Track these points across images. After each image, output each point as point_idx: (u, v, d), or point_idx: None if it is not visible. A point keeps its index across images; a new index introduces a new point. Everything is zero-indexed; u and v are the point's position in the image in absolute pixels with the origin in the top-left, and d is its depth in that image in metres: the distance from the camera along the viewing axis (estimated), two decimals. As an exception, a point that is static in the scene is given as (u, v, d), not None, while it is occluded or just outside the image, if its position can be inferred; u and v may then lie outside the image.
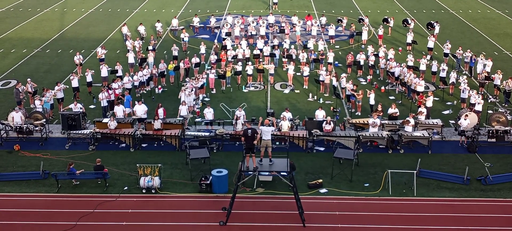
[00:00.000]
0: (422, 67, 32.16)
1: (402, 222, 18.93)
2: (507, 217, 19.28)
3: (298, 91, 31.41)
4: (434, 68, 32.12)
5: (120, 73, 31.12)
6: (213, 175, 20.74)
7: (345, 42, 40.93)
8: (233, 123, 25.53)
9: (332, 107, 28.53)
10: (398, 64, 31.98)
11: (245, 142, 19.01)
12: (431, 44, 36.96)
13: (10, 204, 20.16)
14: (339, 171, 22.13)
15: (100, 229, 18.64)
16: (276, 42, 37.62)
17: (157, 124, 24.55)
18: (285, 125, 24.44)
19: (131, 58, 34.22)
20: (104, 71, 31.53)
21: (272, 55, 35.07)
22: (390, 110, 26.16)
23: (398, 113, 26.02)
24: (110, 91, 28.20)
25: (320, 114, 25.88)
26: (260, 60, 34.48)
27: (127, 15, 50.18)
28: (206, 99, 30.06)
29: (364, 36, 39.78)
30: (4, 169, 22.65)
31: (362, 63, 33.70)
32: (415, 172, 21.21)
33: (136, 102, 27.00)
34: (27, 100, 29.03)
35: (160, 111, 25.73)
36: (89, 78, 30.61)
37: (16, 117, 25.21)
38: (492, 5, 54.15)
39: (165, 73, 32.43)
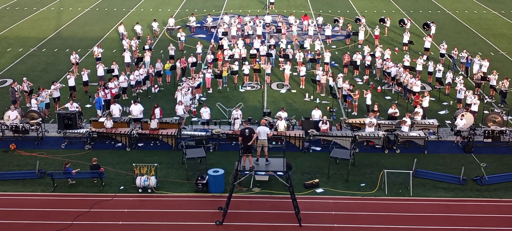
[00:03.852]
0: (419, 67, 32.23)
1: (398, 222, 18.96)
2: (503, 217, 19.33)
3: (294, 91, 31.42)
4: (430, 69, 32.17)
5: (116, 72, 31.07)
6: (210, 175, 20.73)
7: (341, 42, 40.98)
8: (231, 123, 25.51)
9: (328, 107, 28.56)
10: (394, 64, 32.04)
11: (243, 142, 18.99)
12: (427, 44, 37.04)
13: (6, 203, 20.10)
14: (336, 171, 22.15)
15: (96, 229, 18.60)
16: (272, 42, 37.62)
17: (153, 124, 24.53)
18: (282, 125, 24.46)
19: (127, 57, 34.18)
20: (101, 70, 31.47)
21: (268, 55, 35.06)
22: (390, 111, 26.19)
23: (398, 114, 26.04)
24: (107, 91, 28.16)
25: (316, 114, 25.91)
26: (257, 60, 34.47)
27: (123, 14, 50.11)
28: (203, 99, 30.04)
29: (361, 36, 39.81)
30: (0, 168, 22.59)
31: (358, 63, 33.75)
32: (411, 172, 21.25)
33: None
34: (23, 99, 28.97)
35: (157, 111, 25.70)
36: (85, 78, 30.56)
37: (12, 115, 25.15)
38: (488, 5, 54.31)
39: (162, 72, 32.40)
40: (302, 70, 31.94)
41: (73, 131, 25.06)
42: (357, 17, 46.02)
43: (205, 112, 26.30)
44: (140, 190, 20.74)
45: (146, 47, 35.57)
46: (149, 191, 20.73)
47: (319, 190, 20.92)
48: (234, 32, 40.25)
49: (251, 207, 19.84)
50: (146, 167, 20.83)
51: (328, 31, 40.62)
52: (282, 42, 37.62)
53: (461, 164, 22.72)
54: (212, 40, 38.93)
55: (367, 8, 52.29)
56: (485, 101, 29.73)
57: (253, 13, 48.61)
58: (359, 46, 38.98)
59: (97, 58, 34.73)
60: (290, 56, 34.66)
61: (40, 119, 25.70)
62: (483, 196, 20.68)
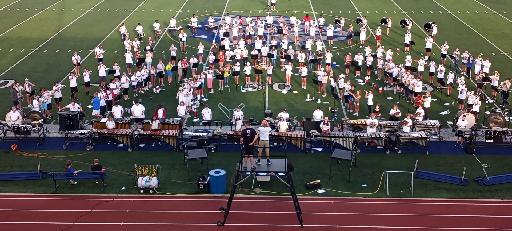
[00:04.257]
0: (420, 68, 32.20)
1: (399, 223, 18.95)
2: (504, 218, 19.31)
3: (296, 91, 31.41)
4: (432, 69, 32.14)
5: (118, 73, 31.09)
6: (211, 175, 20.74)
7: (343, 43, 40.95)
8: (233, 123, 25.51)
9: (330, 108, 28.55)
10: (396, 65, 32.02)
11: (244, 142, 18.99)
12: (429, 45, 37.00)
13: (8, 204, 20.13)
14: (337, 172, 22.14)
15: (97, 229, 18.62)
16: (274, 42, 37.63)
17: (155, 124, 24.54)
18: (283, 126, 24.46)
19: (129, 58, 34.21)
20: (102, 71, 31.50)
21: (270, 55, 35.06)
22: (392, 111, 26.17)
23: (400, 114, 26.03)
24: (108, 92, 28.19)
25: (318, 114, 25.90)
26: (258, 60, 34.47)
27: (125, 15, 50.14)
28: (204, 99, 30.05)
29: (362, 37, 39.79)
30: (1, 169, 22.61)
31: (360, 64, 33.72)
32: (412, 172, 21.23)
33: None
34: (25, 100, 29.00)
35: (160, 111, 25.72)
36: (87, 78, 30.59)
37: (14, 116, 25.17)
38: (490, 6, 54.24)
39: (163, 73, 32.40)
40: (304, 71, 31.94)
41: (74, 132, 25.08)
42: (359, 17, 46.01)
43: (207, 113, 26.32)
44: (141, 191, 20.75)
45: (148, 48, 35.58)
46: (151, 191, 20.74)
47: (321, 191, 20.92)
48: (235, 33, 40.26)
49: (253, 208, 19.84)
50: (148, 167, 20.84)
51: (329, 32, 40.61)
52: (283, 42, 37.62)
53: (462, 164, 22.71)
54: (214, 41, 38.92)
55: (368, 9, 52.27)
56: (487, 102, 29.70)
57: (254, 14, 48.61)
58: (361, 46, 38.96)
59: (99, 59, 34.78)
60: (292, 57, 34.68)
61: (42, 120, 25.73)
62: (485, 196, 20.65)
